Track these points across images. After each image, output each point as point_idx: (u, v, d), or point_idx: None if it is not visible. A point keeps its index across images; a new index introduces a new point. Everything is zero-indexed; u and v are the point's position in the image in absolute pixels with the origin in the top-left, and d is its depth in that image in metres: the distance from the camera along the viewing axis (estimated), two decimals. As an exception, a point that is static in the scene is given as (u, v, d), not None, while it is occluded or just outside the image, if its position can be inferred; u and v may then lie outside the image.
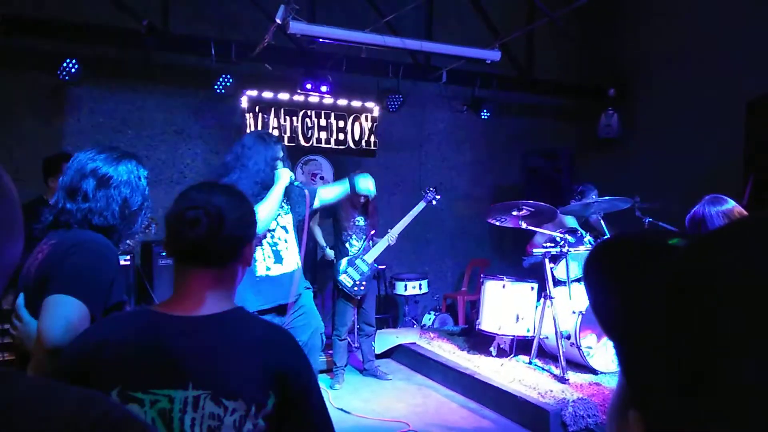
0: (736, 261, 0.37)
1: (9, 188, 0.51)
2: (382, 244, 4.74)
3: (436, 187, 4.99)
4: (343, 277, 4.71)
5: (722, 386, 0.35)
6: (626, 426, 0.42)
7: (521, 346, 4.93)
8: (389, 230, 4.78)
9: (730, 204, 2.75)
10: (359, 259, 4.70)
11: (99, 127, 5.39)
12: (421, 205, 4.86)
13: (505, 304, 4.88)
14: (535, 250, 5.04)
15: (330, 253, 4.94)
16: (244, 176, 3.06)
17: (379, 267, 4.83)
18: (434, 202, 4.92)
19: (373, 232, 4.82)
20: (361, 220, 4.77)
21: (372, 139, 5.74)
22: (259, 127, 5.24)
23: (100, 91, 5.33)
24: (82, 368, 1.10)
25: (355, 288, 4.70)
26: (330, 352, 4.96)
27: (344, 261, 4.72)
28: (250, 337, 1.16)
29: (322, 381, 4.82)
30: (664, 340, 0.39)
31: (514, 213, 4.70)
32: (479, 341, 5.24)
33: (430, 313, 6.34)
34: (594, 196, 4.94)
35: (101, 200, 1.62)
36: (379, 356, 5.41)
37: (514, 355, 4.88)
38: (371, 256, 4.71)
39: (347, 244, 4.75)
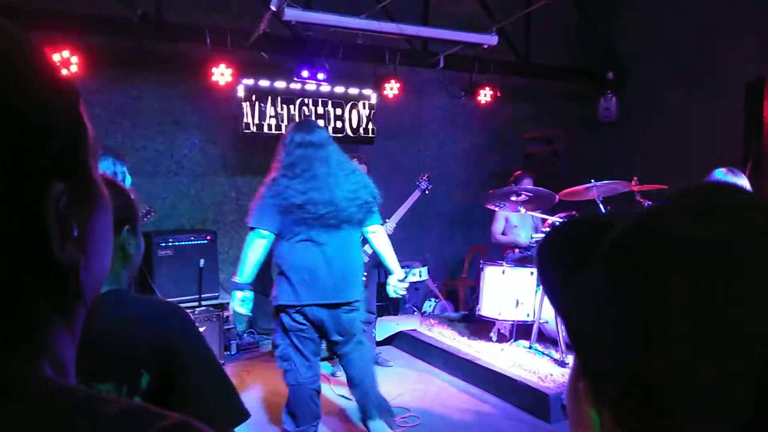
0: (660, 239, 0.40)
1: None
2: None
3: (429, 176, 5.06)
4: None
5: (658, 350, 0.37)
6: (578, 396, 0.43)
7: (521, 331, 4.95)
8: (386, 220, 4.80)
9: (743, 178, 2.90)
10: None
11: (94, 118, 5.28)
12: (416, 194, 4.95)
13: (504, 290, 4.88)
14: (534, 235, 5.04)
15: None
16: None
17: (378, 257, 4.82)
18: (427, 192, 5.01)
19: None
20: None
21: (370, 126, 5.72)
22: (256, 116, 5.22)
23: (94, 81, 5.29)
24: None
25: None
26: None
27: None
28: (122, 317, 1.13)
29: (324, 368, 4.86)
30: (601, 312, 0.41)
31: (513, 198, 4.70)
32: (479, 327, 5.26)
33: (430, 300, 6.36)
34: (528, 184, 5.01)
35: None
36: (380, 343, 5.42)
37: (514, 340, 4.90)
38: (370, 248, 4.71)
39: None
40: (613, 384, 0.39)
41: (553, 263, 0.49)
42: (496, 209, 5.00)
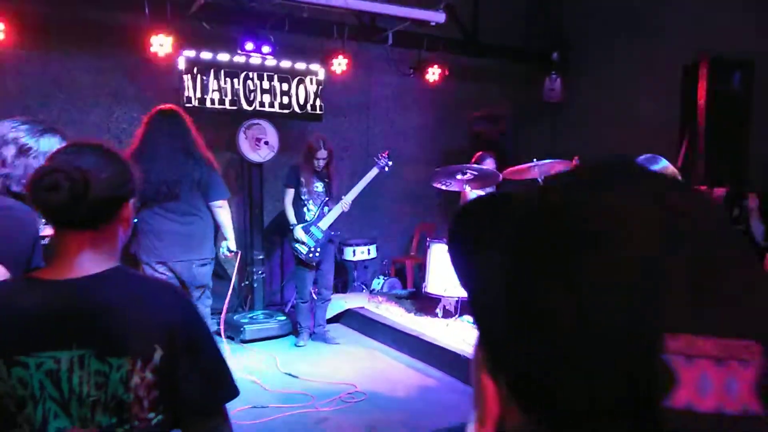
0: (549, 213, 0.40)
1: None
2: (335, 211, 4.79)
3: (389, 153, 5.03)
4: (298, 245, 4.74)
5: (537, 316, 0.37)
6: (479, 365, 0.44)
7: (466, 306, 5.03)
8: (342, 197, 4.81)
9: (664, 163, 2.85)
10: (313, 227, 4.75)
11: (27, 90, 5.09)
12: (374, 171, 4.95)
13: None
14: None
15: (297, 230, 4.79)
16: None
17: (333, 233, 4.87)
18: (387, 168, 5.00)
19: (326, 199, 4.84)
20: (319, 186, 4.81)
21: (318, 102, 5.63)
22: (198, 90, 5.06)
23: (27, 51, 5.01)
24: None
25: (310, 255, 4.77)
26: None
27: (299, 229, 4.73)
28: (132, 293, 1.18)
29: (290, 341, 5.00)
30: (495, 286, 0.41)
31: (459, 177, 4.74)
32: (426, 304, 5.32)
33: (379, 278, 6.38)
34: (490, 164, 5.09)
35: (19, 168, 1.63)
36: (328, 321, 5.43)
37: (459, 316, 4.98)
38: (325, 224, 4.77)
39: (305, 209, 4.80)
40: (505, 355, 0.40)
41: (460, 240, 0.49)
42: (443, 187, 5.03)
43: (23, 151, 1.65)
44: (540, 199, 0.41)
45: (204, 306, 3.97)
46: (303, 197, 4.77)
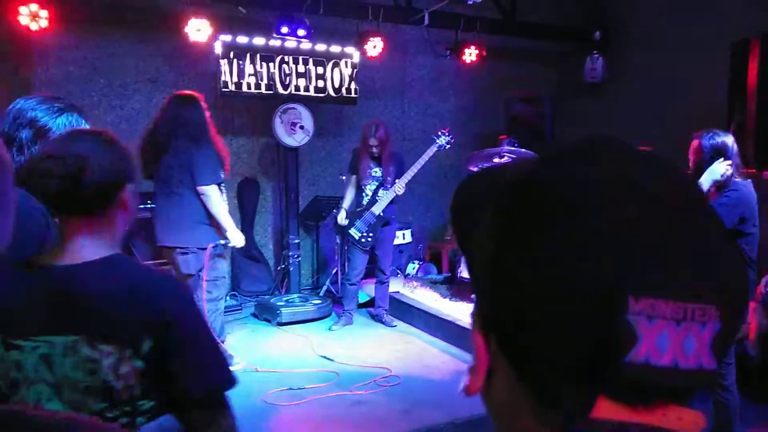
0: (526, 186, 0.43)
1: (5, 158, 0.56)
2: (389, 195, 4.85)
3: (449, 129, 5.01)
4: (352, 230, 4.88)
5: (517, 279, 0.41)
6: (473, 324, 0.48)
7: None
8: (396, 180, 4.83)
9: (720, 137, 2.94)
10: (366, 212, 4.82)
11: (69, 76, 5.21)
12: (433, 149, 4.98)
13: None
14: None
15: (340, 217, 4.94)
16: None
17: (391, 217, 4.94)
18: (448, 146, 4.96)
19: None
20: (377, 171, 4.87)
21: (352, 86, 5.59)
22: (235, 74, 5.08)
23: (68, 37, 5.12)
24: None
25: (363, 240, 4.86)
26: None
27: (340, 214, 4.91)
28: (126, 283, 1.18)
29: (325, 324, 5.09)
30: (484, 252, 0.45)
31: (495, 160, 4.66)
32: (461, 289, 5.28)
33: (414, 263, 6.37)
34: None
35: None
36: (362, 305, 5.45)
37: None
38: (378, 208, 4.86)
39: (363, 194, 4.91)
40: (493, 313, 0.44)
41: (461, 212, 0.53)
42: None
43: (41, 133, 1.56)
44: (522, 172, 0.45)
45: (198, 298, 3.76)
46: (362, 182, 4.86)
